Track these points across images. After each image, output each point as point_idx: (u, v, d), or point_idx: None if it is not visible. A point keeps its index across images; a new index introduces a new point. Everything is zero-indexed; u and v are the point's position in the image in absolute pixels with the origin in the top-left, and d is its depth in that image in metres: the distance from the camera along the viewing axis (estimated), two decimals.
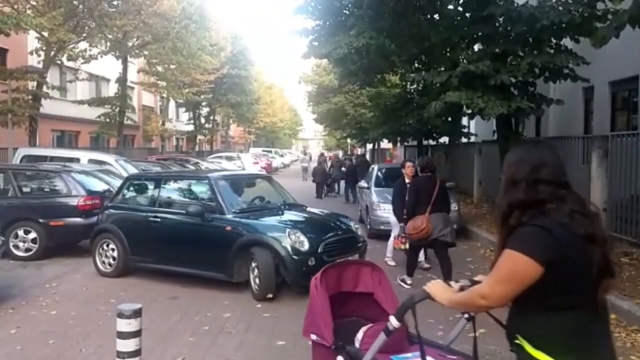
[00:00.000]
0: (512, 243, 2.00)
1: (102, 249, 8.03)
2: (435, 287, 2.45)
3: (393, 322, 2.50)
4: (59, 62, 21.07)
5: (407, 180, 8.12)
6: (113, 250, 7.92)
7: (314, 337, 2.85)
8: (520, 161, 2.12)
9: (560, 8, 10.09)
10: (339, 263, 3.32)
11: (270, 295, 6.63)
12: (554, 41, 11.06)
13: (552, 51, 10.89)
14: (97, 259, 8.07)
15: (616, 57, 11.01)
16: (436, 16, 13.28)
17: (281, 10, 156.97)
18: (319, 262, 6.44)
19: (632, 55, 10.64)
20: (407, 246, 7.44)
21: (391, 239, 8.43)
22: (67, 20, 18.52)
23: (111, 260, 7.94)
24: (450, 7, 12.95)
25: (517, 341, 2.09)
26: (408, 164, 8.51)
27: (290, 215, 7.70)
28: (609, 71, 12.16)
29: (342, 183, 21.86)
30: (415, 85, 19.57)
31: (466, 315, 2.75)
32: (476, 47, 12.75)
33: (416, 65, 16.28)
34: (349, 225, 7.78)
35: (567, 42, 11.10)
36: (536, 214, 2.02)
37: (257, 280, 6.74)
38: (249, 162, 30.74)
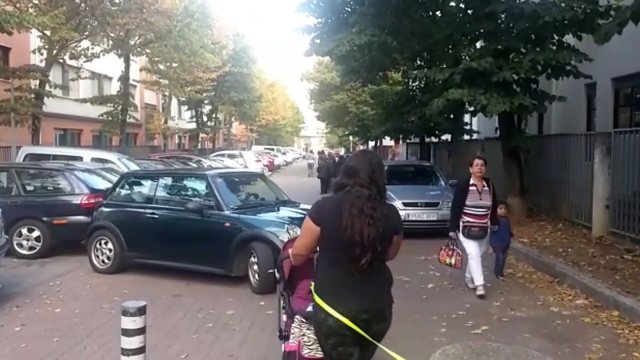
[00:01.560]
0: None
1: (98, 245, 8.11)
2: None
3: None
4: (61, 60, 21.12)
5: (472, 182, 6.69)
6: (109, 247, 8.00)
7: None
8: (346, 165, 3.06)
9: (563, 5, 10.09)
10: None
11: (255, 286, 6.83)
12: (556, 38, 11.06)
13: (554, 48, 10.89)
14: (93, 255, 8.15)
15: (619, 53, 10.99)
16: (438, 13, 13.28)
17: (283, 8, 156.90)
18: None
19: (635, 52, 10.61)
20: (454, 260, 6.60)
21: (472, 260, 6.69)
22: (69, 18, 18.55)
23: (106, 258, 8.02)
24: (453, 4, 12.96)
25: (311, 287, 2.90)
26: (478, 161, 6.73)
27: (286, 212, 7.85)
28: (612, 67, 12.13)
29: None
30: (417, 83, 19.57)
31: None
32: (478, 44, 12.73)
33: (418, 62, 16.30)
34: None
35: (569, 38, 11.09)
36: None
37: (256, 275, 6.91)
38: (251, 160, 30.75)
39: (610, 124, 12.42)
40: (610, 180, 9.07)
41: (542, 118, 15.98)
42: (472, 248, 6.61)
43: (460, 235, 6.63)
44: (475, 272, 6.62)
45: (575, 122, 14.02)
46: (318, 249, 2.94)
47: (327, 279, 2.83)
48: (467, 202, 6.57)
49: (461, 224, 6.60)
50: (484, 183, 6.72)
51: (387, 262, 2.96)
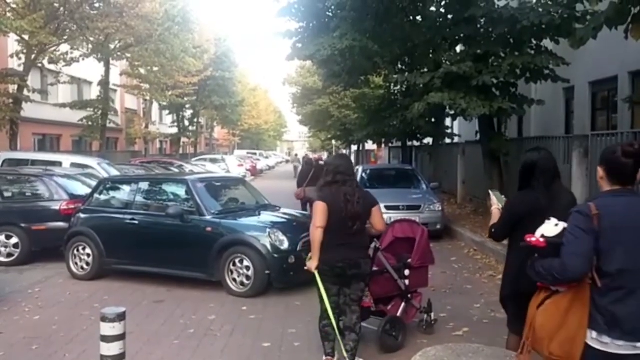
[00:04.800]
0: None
1: (76, 252, 8.02)
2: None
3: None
4: (40, 65, 20.79)
5: None
6: (87, 252, 7.92)
7: None
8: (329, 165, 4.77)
9: (541, 9, 10.24)
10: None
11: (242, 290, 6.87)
12: (535, 42, 11.21)
13: (532, 52, 11.04)
14: (71, 262, 8.05)
15: (596, 57, 11.19)
16: (419, 18, 13.38)
17: (265, 13, 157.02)
18: (299, 259, 6.78)
19: (611, 56, 10.82)
20: None
21: None
22: (48, 23, 18.29)
23: (85, 264, 7.94)
24: (433, 8, 13.05)
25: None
26: None
27: (267, 216, 7.88)
28: (589, 71, 12.35)
29: None
30: (398, 87, 19.68)
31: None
32: (458, 49, 12.87)
33: (400, 66, 16.37)
34: None
35: (547, 43, 11.25)
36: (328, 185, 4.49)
37: (237, 280, 6.95)
38: (234, 165, 30.63)
39: (588, 127, 12.63)
40: (588, 183, 9.21)
41: (521, 121, 16.20)
42: None
43: None
44: None
45: (554, 125, 14.24)
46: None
47: (323, 242, 4.28)
48: None
49: None
50: None
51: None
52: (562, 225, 2.62)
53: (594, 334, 2.46)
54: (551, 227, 2.68)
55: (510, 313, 3.66)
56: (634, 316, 2.41)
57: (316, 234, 4.27)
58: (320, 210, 4.31)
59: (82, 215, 8.32)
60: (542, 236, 2.68)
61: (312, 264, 4.32)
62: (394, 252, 5.39)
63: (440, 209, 11.27)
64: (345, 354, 4.27)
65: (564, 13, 10.04)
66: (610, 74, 11.67)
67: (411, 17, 13.32)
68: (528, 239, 2.72)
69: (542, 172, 3.60)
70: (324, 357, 4.50)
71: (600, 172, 2.61)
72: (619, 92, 11.41)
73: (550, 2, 10.50)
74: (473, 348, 2.92)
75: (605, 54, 10.73)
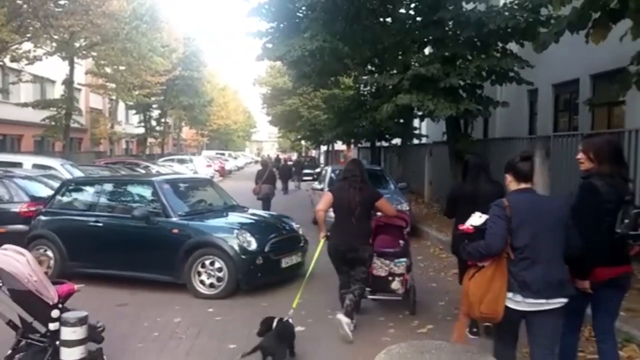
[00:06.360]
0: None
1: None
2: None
3: None
4: (1, 63, 20.23)
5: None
6: (48, 255, 7.67)
7: None
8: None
9: (507, 13, 10.46)
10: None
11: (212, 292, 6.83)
12: (500, 45, 11.43)
13: (498, 55, 11.25)
14: None
15: (559, 61, 11.46)
16: (389, 20, 13.47)
17: (236, 12, 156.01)
18: (267, 260, 6.91)
19: (574, 59, 11.09)
20: None
21: None
22: (10, 20, 17.78)
23: (46, 267, 7.68)
24: (402, 10, 13.18)
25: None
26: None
27: (235, 217, 7.82)
28: (552, 74, 12.64)
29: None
30: (368, 88, 19.81)
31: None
32: (427, 51, 13.02)
33: (369, 67, 16.48)
34: (292, 225, 8.17)
35: (512, 46, 11.48)
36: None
37: (207, 282, 6.88)
38: (202, 165, 30.29)
39: (550, 128, 12.93)
40: (550, 182, 9.42)
41: (487, 122, 16.48)
42: None
43: None
44: None
45: (518, 127, 14.53)
46: (332, 212, 5.66)
47: (332, 227, 5.59)
48: None
49: None
50: None
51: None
52: (485, 216, 3.51)
53: (511, 295, 3.27)
54: (476, 218, 3.66)
55: (460, 266, 5.45)
56: (538, 280, 3.23)
57: (318, 214, 5.64)
58: (325, 197, 5.73)
59: (43, 218, 8.11)
60: (471, 225, 3.66)
61: (321, 235, 5.70)
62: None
63: (407, 208, 11.37)
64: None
65: (529, 17, 10.28)
66: (572, 77, 11.97)
67: (381, 19, 13.42)
68: (460, 228, 3.81)
69: (470, 169, 5.39)
70: (344, 319, 5.22)
71: (508, 177, 3.53)
72: (580, 95, 11.72)
73: (516, 7, 10.72)
74: (436, 344, 2.95)
75: (567, 57, 11.00)
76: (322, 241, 5.64)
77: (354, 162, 6.21)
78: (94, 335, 4.20)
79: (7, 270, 3.85)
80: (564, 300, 3.29)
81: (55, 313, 3.91)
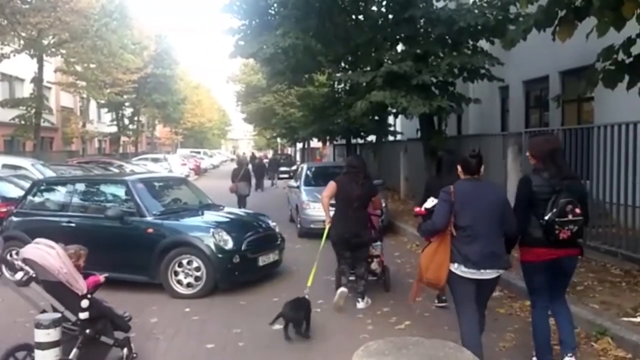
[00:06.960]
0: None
1: (9, 257, 7.62)
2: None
3: None
4: None
5: None
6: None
7: None
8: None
9: (476, 11, 10.60)
10: None
11: (190, 292, 6.81)
12: (471, 43, 11.59)
13: (469, 52, 11.41)
14: (3, 267, 7.66)
15: (529, 58, 11.67)
16: (361, 17, 13.54)
17: (208, 9, 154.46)
18: (243, 259, 6.93)
19: (543, 56, 11.31)
20: None
21: None
22: None
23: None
24: (374, 8, 13.25)
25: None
26: None
27: (211, 216, 7.79)
28: (523, 71, 12.87)
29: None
30: (342, 85, 19.85)
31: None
32: (399, 48, 13.11)
33: (343, 65, 16.52)
34: (268, 223, 8.16)
35: (483, 43, 11.65)
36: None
37: (184, 281, 6.85)
38: (177, 164, 30.02)
39: (522, 125, 13.16)
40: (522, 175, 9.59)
41: (460, 119, 16.70)
42: None
43: None
44: None
45: (491, 123, 14.76)
46: (335, 201, 6.31)
47: (334, 216, 6.28)
48: None
49: None
50: None
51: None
52: (436, 201, 4.32)
53: (455, 265, 3.97)
54: (430, 203, 4.91)
55: None
56: (477, 254, 3.91)
57: (323, 201, 6.35)
58: (329, 186, 6.34)
59: (14, 219, 7.99)
60: (425, 208, 5.04)
61: (326, 221, 6.31)
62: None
63: (383, 205, 11.45)
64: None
65: (498, 15, 10.44)
66: (542, 74, 12.20)
67: (353, 17, 13.47)
68: (416, 210, 5.58)
69: (443, 164, 5.92)
70: (341, 288, 5.94)
71: (459, 168, 4.23)
72: (550, 91, 11.95)
73: (485, 4, 10.89)
74: (413, 340, 2.98)
75: (537, 54, 11.21)
76: (327, 227, 6.27)
77: (356, 158, 7.13)
78: (122, 324, 4.58)
79: (40, 262, 4.14)
80: (500, 271, 4.01)
81: (84, 303, 4.18)
